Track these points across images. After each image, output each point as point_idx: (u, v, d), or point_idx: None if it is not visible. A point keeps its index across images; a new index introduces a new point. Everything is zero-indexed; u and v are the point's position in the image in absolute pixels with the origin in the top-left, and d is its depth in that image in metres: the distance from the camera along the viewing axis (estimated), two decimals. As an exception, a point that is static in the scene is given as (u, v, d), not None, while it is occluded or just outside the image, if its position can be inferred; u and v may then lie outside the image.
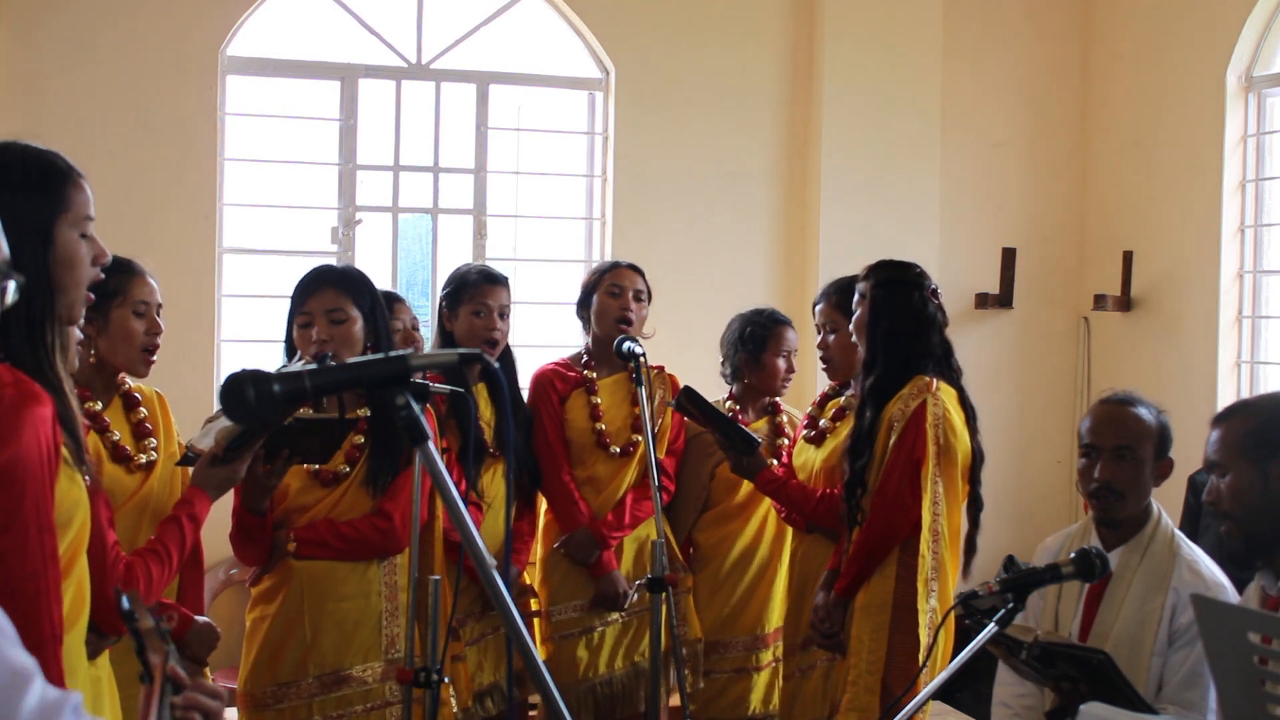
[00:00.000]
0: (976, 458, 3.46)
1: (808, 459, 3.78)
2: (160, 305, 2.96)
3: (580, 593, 3.89)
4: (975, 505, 3.48)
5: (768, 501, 3.97)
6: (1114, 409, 2.91)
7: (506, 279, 3.85)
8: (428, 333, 4.49)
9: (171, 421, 3.09)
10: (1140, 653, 2.75)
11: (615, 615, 3.88)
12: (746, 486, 3.97)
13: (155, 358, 2.96)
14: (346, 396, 3.14)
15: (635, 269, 4.01)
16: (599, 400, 3.95)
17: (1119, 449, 2.85)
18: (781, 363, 4.04)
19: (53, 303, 1.95)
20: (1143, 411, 2.89)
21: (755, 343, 4.04)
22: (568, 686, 3.83)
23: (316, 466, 3.10)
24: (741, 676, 4.03)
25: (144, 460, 2.93)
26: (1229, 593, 2.79)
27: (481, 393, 3.77)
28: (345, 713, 3.09)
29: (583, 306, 4.02)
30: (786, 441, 4.03)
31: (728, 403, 4.11)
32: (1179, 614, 2.76)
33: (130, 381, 3.01)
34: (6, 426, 1.74)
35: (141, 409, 3.00)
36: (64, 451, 1.95)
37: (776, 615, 4.04)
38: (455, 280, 3.83)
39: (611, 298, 3.93)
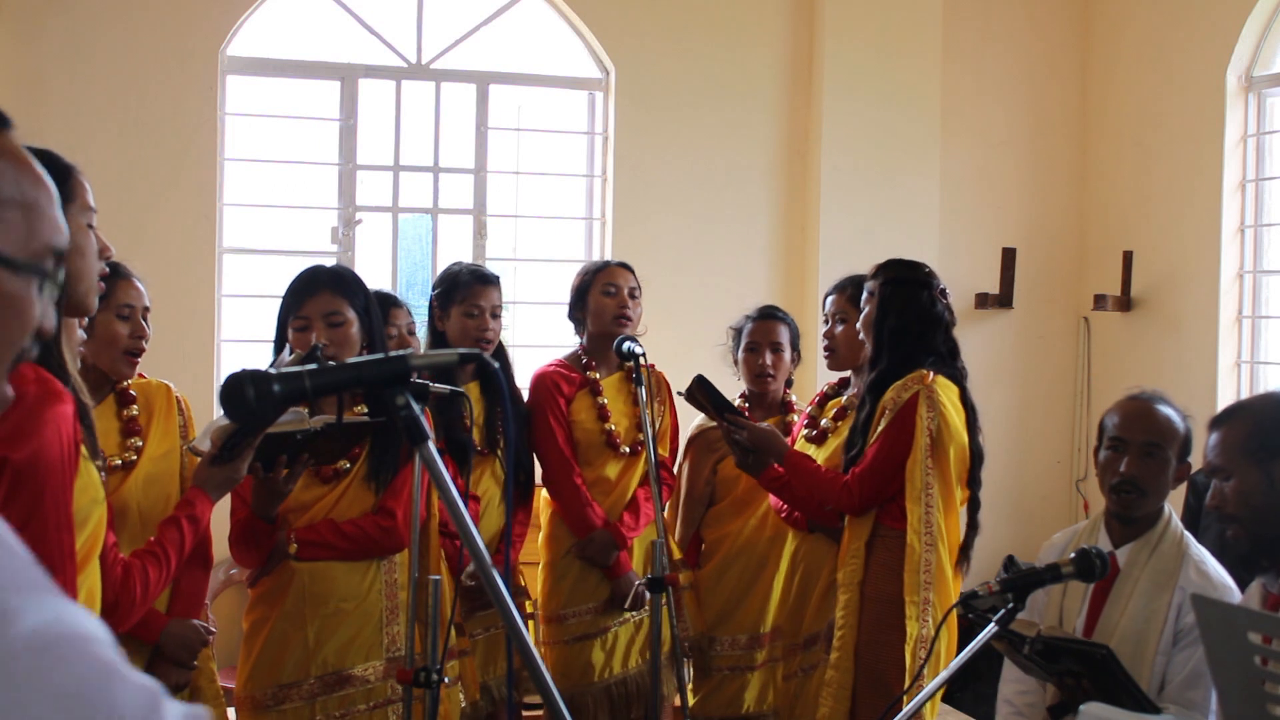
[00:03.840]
0: (975, 458, 3.48)
1: None
2: (147, 308, 2.94)
3: (592, 595, 3.88)
4: (973, 505, 3.50)
5: (768, 500, 3.97)
6: (1145, 406, 2.88)
7: (498, 278, 3.84)
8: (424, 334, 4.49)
9: (174, 415, 3.07)
10: (1145, 650, 2.75)
11: (629, 614, 3.88)
12: (746, 483, 3.97)
13: (139, 360, 2.95)
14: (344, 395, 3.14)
15: (626, 266, 4.02)
16: (605, 401, 3.94)
17: (1147, 445, 2.81)
18: (753, 357, 4.02)
19: (64, 294, 1.95)
20: (1172, 413, 2.88)
21: (735, 341, 4.09)
22: (584, 689, 3.84)
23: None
24: (737, 675, 4.02)
25: (119, 462, 2.92)
26: (1235, 594, 2.78)
27: (472, 392, 3.77)
28: (348, 712, 3.09)
29: (576, 308, 4.01)
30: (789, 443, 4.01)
31: (737, 401, 4.12)
32: (1184, 613, 2.75)
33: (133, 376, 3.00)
34: (29, 424, 1.74)
35: (134, 407, 2.98)
36: (82, 448, 1.95)
37: (774, 615, 4.03)
38: (447, 280, 3.82)
39: (608, 297, 3.93)
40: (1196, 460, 2.93)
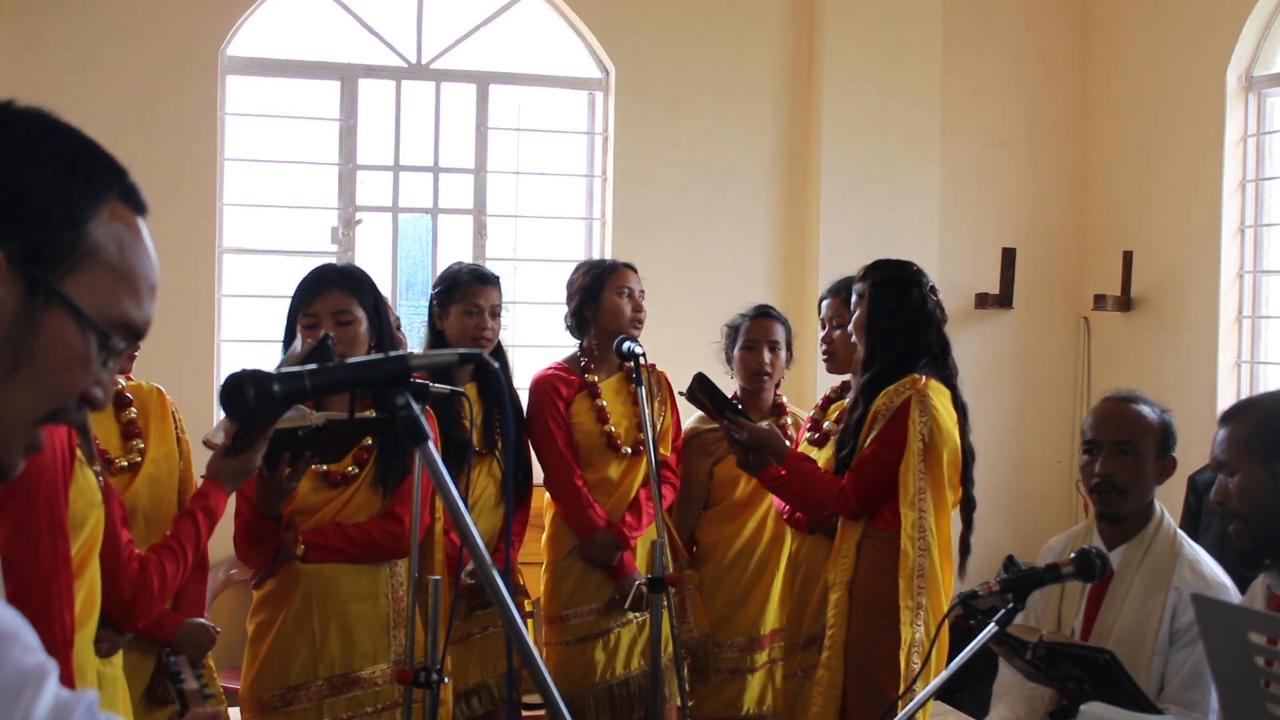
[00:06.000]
0: (967, 457, 3.47)
1: None
2: None
3: (595, 596, 3.88)
4: (968, 505, 3.49)
5: (767, 501, 3.97)
6: (1116, 405, 2.91)
7: (498, 278, 3.85)
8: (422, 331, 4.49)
9: (169, 417, 3.07)
10: (1141, 651, 2.75)
11: (632, 615, 3.88)
12: (745, 486, 3.97)
13: (134, 361, 2.95)
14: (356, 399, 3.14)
15: (633, 268, 4.02)
16: (605, 403, 3.94)
17: (1119, 444, 2.84)
18: (751, 355, 4.01)
19: None
20: (1145, 409, 2.89)
21: (730, 340, 4.08)
22: (585, 689, 3.83)
23: (325, 467, 3.10)
24: (736, 677, 4.02)
25: (125, 464, 2.91)
26: (1230, 592, 2.79)
27: (470, 392, 3.76)
28: (356, 714, 3.08)
29: (585, 308, 3.98)
30: (789, 444, 4.00)
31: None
32: (1180, 613, 2.76)
33: (123, 380, 2.99)
34: None
35: (132, 409, 2.98)
36: (79, 452, 1.95)
37: (773, 617, 4.03)
38: (446, 280, 3.82)
39: (623, 298, 3.93)
40: (1180, 455, 2.94)
